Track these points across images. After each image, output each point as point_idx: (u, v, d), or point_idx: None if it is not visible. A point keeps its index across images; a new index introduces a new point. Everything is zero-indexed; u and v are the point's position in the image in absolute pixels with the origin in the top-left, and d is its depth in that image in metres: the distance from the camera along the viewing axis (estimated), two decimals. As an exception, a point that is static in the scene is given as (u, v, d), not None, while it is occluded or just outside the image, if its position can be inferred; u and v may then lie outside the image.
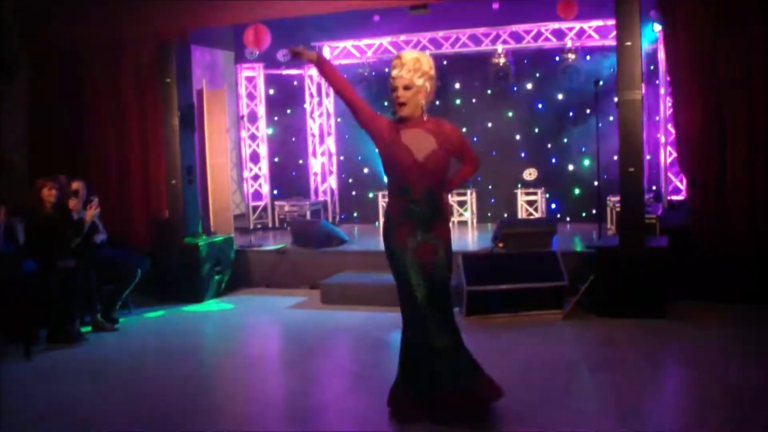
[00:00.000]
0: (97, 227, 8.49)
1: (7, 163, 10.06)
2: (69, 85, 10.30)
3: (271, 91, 13.39)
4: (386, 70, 12.65)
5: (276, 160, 13.44)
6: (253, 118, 13.10)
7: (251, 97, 13.12)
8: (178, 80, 9.54)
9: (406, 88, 5.10)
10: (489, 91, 12.62)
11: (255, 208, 13.08)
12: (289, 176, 13.65)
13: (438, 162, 5.16)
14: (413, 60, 5.10)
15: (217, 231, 10.55)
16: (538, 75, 12.51)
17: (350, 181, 13.57)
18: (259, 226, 12.94)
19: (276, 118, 13.47)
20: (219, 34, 12.76)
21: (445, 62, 12.69)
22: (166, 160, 9.63)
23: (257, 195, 13.13)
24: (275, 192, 13.41)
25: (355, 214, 13.52)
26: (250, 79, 13.12)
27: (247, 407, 5.85)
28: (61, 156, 10.10)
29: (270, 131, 13.26)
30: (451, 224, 5.69)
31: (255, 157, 13.06)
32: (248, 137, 13.03)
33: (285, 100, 13.59)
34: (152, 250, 9.42)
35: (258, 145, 13.02)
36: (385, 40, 12.71)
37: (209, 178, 10.73)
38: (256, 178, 13.12)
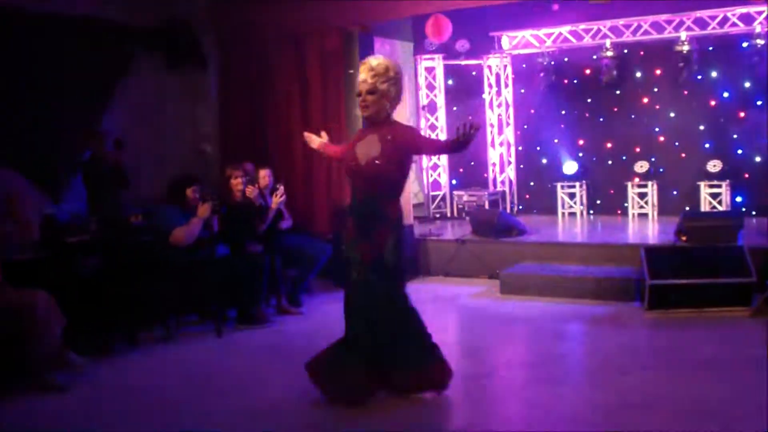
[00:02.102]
0: (282, 214, 8.79)
1: (201, 154, 10.56)
2: (255, 75, 10.67)
3: (450, 82, 13.45)
4: (565, 59, 12.66)
5: (454, 150, 13.46)
6: (432, 108, 13.20)
7: (430, 87, 13.22)
8: (361, 71, 9.71)
9: (370, 92, 5.38)
10: (672, 80, 12.18)
11: (434, 198, 13.19)
12: (467, 166, 13.67)
13: (377, 169, 5.32)
14: (377, 65, 5.36)
15: (397, 219, 10.67)
16: (723, 62, 11.97)
17: (528, 171, 13.45)
18: (437, 216, 13.03)
19: (455, 108, 13.52)
20: (398, 25, 12.89)
21: (625, 51, 12.38)
22: (348, 149, 9.81)
23: (436, 185, 13.23)
24: (454, 182, 13.47)
25: (532, 205, 13.39)
26: (429, 70, 13.22)
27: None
28: (249, 144, 10.47)
29: (449, 121, 13.31)
30: (393, 229, 5.47)
31: (434, 147, 13.14)
32: (427, 127, 13.13)
33: (464, 91, 13.62)
34: (334, 237, 9.64)
35: (437, 136, 13.10)
36: (565, 29, 12.51)
37: (390, 167, 10.85)
38: (435, 167, 13.22)
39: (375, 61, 5.43)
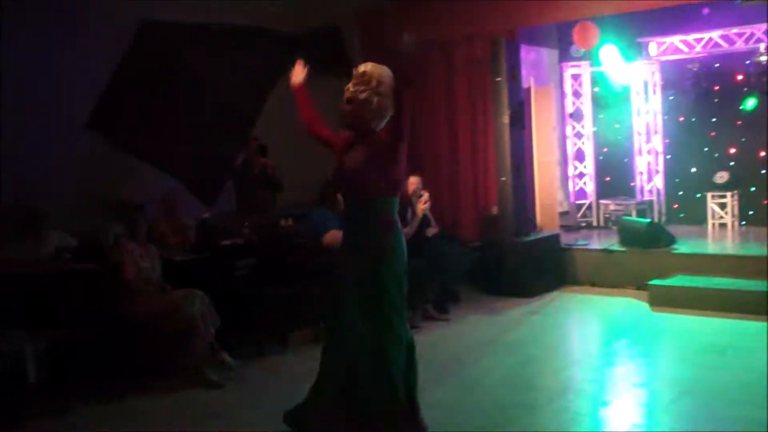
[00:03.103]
0: (428, 221, 8.82)
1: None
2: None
3: (597, 89, 13.21)
4: (716, 65, 12.24)
5: (600, 158, 13.23)
6: (578, 116, 13.00)
7: (576, 95, 13.02)
8: (509, 78, 9.67)
9: (348, 101, 4.96)
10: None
11: (579, 206, 12.97)
12: (613, 174, 13.38)
13: (358, 180, 4.82)
14: (363, 73, 4.99)
15: (543, 228, 10.58)
16: None
17: (677, 180, 13.05)
18: (583, 225, 12.81)
19: (601, 116, 13.27)
20: (543, 32, 12.76)
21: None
22: (495, 157, 9.79)
23: (581, 193, 13.02)
24: (599, 190, 13.22)
25: (681, 215, 12.98)
26: (575, 77, 13.02)
27: (568, 404, 5.80)
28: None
29: (595, 129, 13.08)
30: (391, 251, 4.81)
31: (580, 155, 12.96)
32: (573, 135, 12.94)
33: (610, 98, 13.33)
34: (480, 245, 9.61)
35: (583, 143, 12.89)
36: (715, 34, 12.07)
37: (536, 175, 10.77)
38: (580, 176, 13.02)
39: (363, 68, 5.04)
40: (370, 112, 4.88)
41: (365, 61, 10.55)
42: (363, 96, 4.89)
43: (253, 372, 6.84)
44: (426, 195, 8.61)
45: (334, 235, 7.69)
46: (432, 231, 8.83)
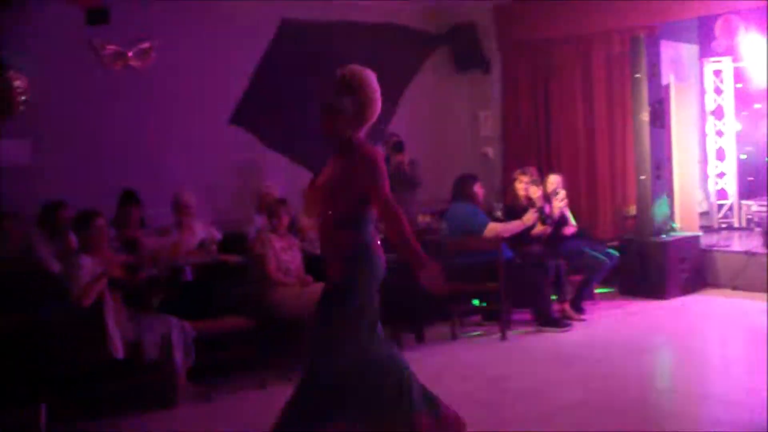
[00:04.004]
0: (566, 219, 8.72)
1: (482, 156, 10.71)
2: (538, 78, 10.67)
3: (739, 85, 12.76)
4: None
5: (743, 157, 12.78)
6: (719, 113, 12.59)
7: (718, 91, 12.60)
8: (648, 75, 9.45)
9: (329, 111, 4.43)
10: None
11: (720, 207, 12.57)
12: (757, 175, 12.90)
13: (330, 194, 4.35)
14: (339, 77, 4.44)
15: (682, 228, 10.30)
16: None
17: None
18: (724, 226, 12.40)
19: (744, 113, 12.81)
20: (682, 27, 12.40)
21: None
22: (635, 155, 9.60)
23: (722, 193, 12.60)
24: (741, 191, 12.76)
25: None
26: (716, 73, 12.62)
27: (705, 410, 5.67)
28: (531, 148, 10.50)
29: (738, 127, 12.64)
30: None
31: (720, 154, 12.55)
32: (714, 133, 12.55)
33: (754, 95, 12.87)
34: (618, 244, 9.43)
35: (725, 142, 12.49)
36: None
37: (675, 174, 10.49)
38: (721, 175, 12.60)
39: (339, 72, 4.48)
40: (346, 119, 4.37)
41: (501, 57, 10.69)
42: (337, 101, 4.39)
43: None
44: (563, 193, 8.52)
45: (496, 228, 7.78)
46: (569, 230, 8.73)
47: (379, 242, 4.44)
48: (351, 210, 4.28)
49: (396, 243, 4.39)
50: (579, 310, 8.44)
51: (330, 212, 4.31)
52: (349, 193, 4.26)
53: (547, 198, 8.56)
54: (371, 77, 4.48)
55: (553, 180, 8.71)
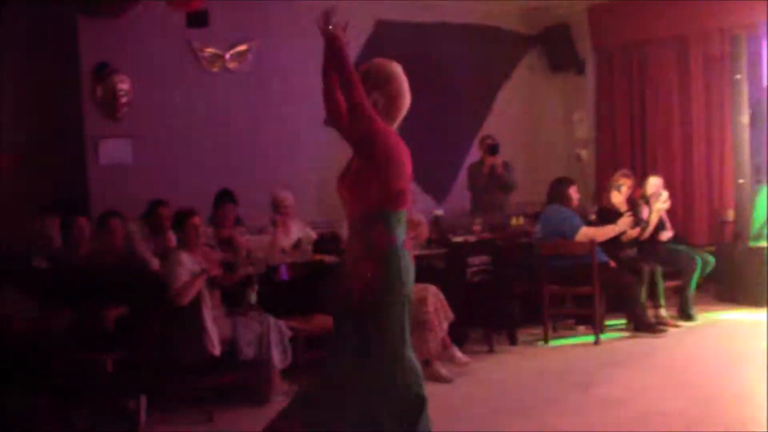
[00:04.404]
0: (663, 224, 8.58)
1: (575, 158, 10.60)
2: (634, 79, 10.51)
3: None
4: None
5: None
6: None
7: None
8: (749, 76, 9.23)
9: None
10: None
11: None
12: None
13: (350, 186, 3.92)
14: (364, 72, 4.04)
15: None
16: None
17: None
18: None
19: None
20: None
21: None
22: (733, 158, 9.38)
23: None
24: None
25: None
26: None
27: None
28: (626, 151, 10.35)
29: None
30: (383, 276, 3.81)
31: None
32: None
33: None
34: (715, 250, 9.23)
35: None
36: None
37: (776, 178, 10.21)
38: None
39: (362, 67, 4.14)
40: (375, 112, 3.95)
41: (596, 57, 10.55)
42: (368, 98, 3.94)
43: (483, 368, 6.88)
44: (665, 195, 8.40)
45: (590, 232, 7.71)
46: (666, 235, 8.58)
47: (410, 246, 4.02)
48: (377, 206, 3.86)
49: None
50: (688, 317, 8.30)
51: (357, 209, 3.90)
52: (373, 188, 3.86)
53: (646, 200, 8.43)
54: (398, 69, 4.17)
55: (655, 182, 8.55)
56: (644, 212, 8.31)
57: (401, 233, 3.88)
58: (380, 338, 3.79)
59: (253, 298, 6.39)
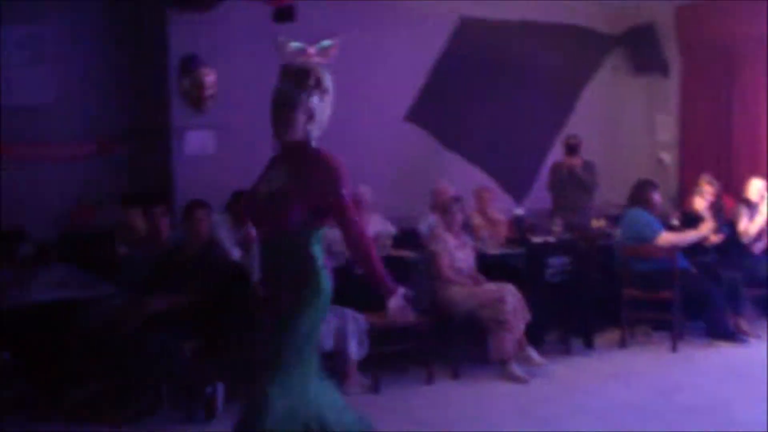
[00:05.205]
0: (762, 234, 8.40)
1: (657, 161, 10.45)
2: (721, 81, 10.30)
3: None
4: None
5: None
6: None
7: None
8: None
9: (291, 106, 3.76)
10: None
11: None
12: None
13: (280, 205, 3.70)
14: (298, 71, 3.83)
15: None
16: None
17: None
18: None
19: None
20: None
21: None
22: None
23: None
24: None
25: None
26: None
27: None
28: (710, 155, 10.15)
29: None
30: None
31: None
32: None
33: None
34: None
35: None
36: None
37: None
38: None
39: (296, 66, 4.02)
40: (303, 119, 3.80)
41: (682, 59, 10.37)
42: (304, 97, 3.78)
43: (559, 370, 6.84)
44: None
45: (670, 237, 7.60)
46: (761, 246, 8.37)
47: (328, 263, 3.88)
48: (302, 224, 3.70)
49: (360, 267, 3.98)
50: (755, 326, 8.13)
51: (279, 225, 3.71)
52: (303, 205, 3.69)
53: (747, 204, 8.26)
54: (328, 75, 3.92)
55: (759, 186, 8.36)
56: (743, 218, 8.16)
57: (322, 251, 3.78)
58: (299, 352, 3.67)
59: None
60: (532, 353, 6.72)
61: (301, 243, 3.72)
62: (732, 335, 7.66)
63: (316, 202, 3.71)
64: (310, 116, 3.79)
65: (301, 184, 3.70)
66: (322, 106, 3.83)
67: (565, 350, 7.36)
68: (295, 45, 8.58)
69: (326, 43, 8.72)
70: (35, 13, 7.86)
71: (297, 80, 3.77)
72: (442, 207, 7.26)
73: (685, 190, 8.99)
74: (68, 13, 8.01)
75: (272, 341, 3.68)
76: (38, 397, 5.77)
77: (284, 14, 7.66)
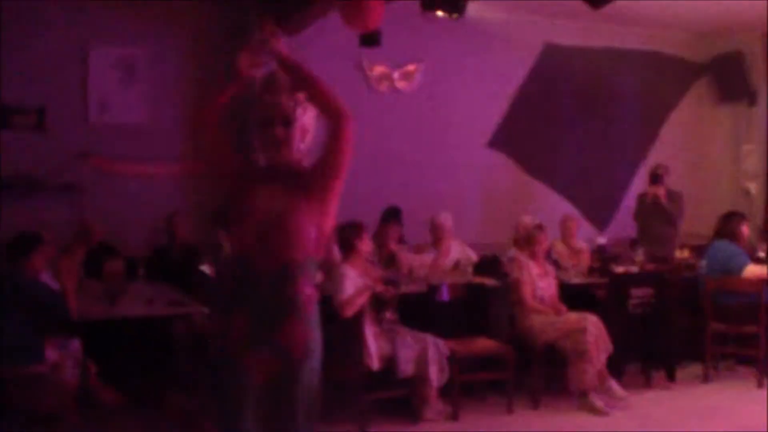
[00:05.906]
0: None
1: (743, 191, 10.27)
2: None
3: None
4: None
5: None
6: None
7: None
8: None
9: (286, 121, 3.28)
10: None
11: None
12: None
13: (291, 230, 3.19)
14: (273, 80, 3.33)
15: None
16: None
17: None
18: None
19: None
20: None
21: None
22: None
23: None
24: None
25: None
26: None
27: None
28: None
29: None
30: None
31: None
32: None
33: None
34: None
35: None
36: None
37: None
38: None
39: (273, 76, 3.38)
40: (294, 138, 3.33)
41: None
42: (296, 115, 3.31)
43: (640, 403, 6.75)
44: None
45: (754, 271, 7.46)
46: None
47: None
48: (307, 252, 3.22)
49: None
50: None
51: (288, 255, 3.18)
52: (313, 227, 3.25)
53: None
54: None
55: None
56: None
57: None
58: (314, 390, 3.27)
59: (387, 314, 6.42)
60: (614, 385, 6.65)
61: (302, 274, 3.20)
62: None
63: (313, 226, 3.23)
64: (304, 133, 3.33)
65: (303, 212, 3.22)
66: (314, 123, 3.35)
67: (646, 383, 7.25)
68: (379, 69, 8.67)
69: (410, 67, 8.79)
70: (127, 37, 8.09)
71: (287, 91, 3.30)
72: (525, 240, 7.21)
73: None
74: (159, 36, 8.22)
75: (297, 377, 3.20)
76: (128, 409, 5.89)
77: (370, 39, 7.75)
